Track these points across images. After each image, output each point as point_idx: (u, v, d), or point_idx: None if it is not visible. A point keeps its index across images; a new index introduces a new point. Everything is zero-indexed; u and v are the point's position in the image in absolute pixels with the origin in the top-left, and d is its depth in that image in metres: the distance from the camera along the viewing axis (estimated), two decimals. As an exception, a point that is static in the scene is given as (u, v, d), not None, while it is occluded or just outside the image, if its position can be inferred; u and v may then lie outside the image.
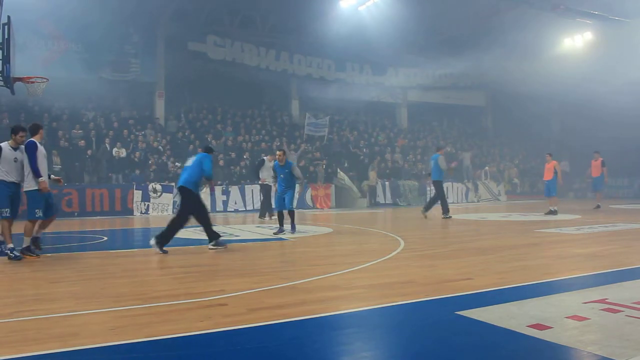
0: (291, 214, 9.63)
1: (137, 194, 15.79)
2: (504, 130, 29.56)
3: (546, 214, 13.58)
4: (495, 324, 3.41)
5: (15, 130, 6.87)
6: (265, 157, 13.14)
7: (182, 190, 7.65)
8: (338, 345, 3.18)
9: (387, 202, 20.45)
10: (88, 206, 15.05)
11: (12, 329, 3.43)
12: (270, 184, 12.69)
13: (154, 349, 3.06)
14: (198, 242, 8.67)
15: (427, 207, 13.20)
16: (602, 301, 3.96)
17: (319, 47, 24.18)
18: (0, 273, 5.72)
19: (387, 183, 20.63)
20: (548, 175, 14.24)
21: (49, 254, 7.19)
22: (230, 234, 9.81)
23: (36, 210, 6.90)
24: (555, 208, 13.76)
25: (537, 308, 3.82)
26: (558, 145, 27.11)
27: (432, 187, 14.26)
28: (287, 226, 9.66)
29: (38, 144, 6.90)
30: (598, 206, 14.97)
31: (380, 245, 8.14)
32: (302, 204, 18.42)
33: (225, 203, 17.14)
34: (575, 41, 24.83)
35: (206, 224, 7.64)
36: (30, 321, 3.62)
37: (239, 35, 22.98)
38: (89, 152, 16.79)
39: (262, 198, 13.96)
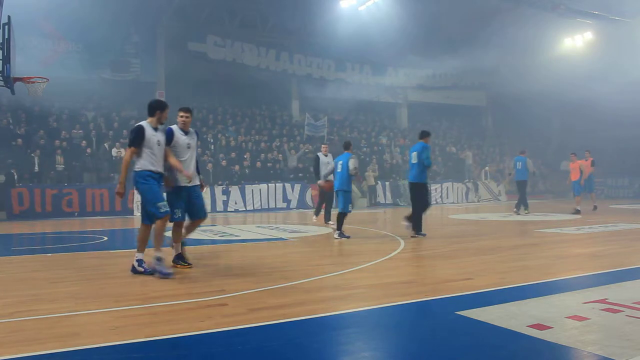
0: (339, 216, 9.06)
1: (137, 194, 15.76)
2: (504, 130, 29.56)
3: (573, 213, 13.92)
4: (495, 324, 3.41)
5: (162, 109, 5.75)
6: (319, 153, 11.41)
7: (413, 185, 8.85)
8: (338, 345, 3.18)
9: (387, 202, 20.44)
10: (88, 206, 15.05)
11: (12, 329, 3.44)
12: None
13: (154, 349, 3.06)
14: (197, 242, 8.67)
15: (519, 206, 14.21)
16: (602, 301, 3.96)
17: (319, 47, 24.19)
18: (0, 273, 5.72)
19: (387, 183, 20.63)
20: (575, 175, 14.44)
21: (49, 254, 7.18)
22: (230, 234, 9.81)
23: (175, 210, 6.02)
24: (579, 208, 14.13)
25: (537, 308, 3.81)
26: (558, 145, 27.13)
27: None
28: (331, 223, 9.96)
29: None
30: (595, 207, 14.97)
31: (380, 245, 8.13)
32: (302, 204, 18.44)
33: (225, 203, 17.15)
34: (575, 41, 24.83)
35: (419, 213, 8.71)
36: (30, 321, 3.62)
37: (239, 35, 22.99)
38: (89, 150, 16.77)
39: (324, 199, 11.67)
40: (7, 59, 9.02)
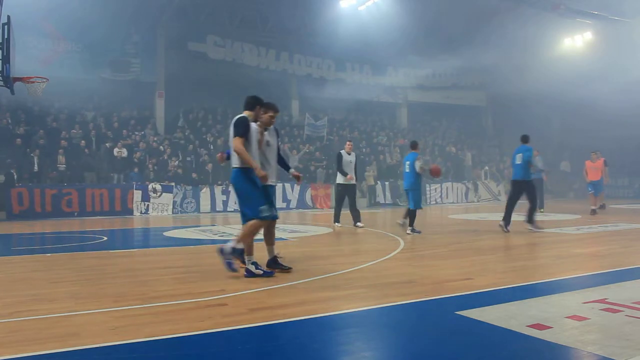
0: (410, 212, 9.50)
1: (137, 194, 15.79)
2: (504, 130, 29.55)
3: (592, 213, 13.39)
4: (495, 324, 3.41)
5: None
6: (341, 151, 10.92)
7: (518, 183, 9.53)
8: (338, 345, 3.18)
9: (387, 202, 20.44)
10: (88, 206, 15.05)
11: (11, 329, 3.43)
12: (354, 182, 10.93)
13: (154, 349, 3.06)
14: (198, 242, 8.67)
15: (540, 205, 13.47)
16: (602, 301, 3.96)
17: (319, 47, 24.19)
18: None
19: (386, 183, 20.63)
20: (596, 175, 13.83)
21: (49, 254, 7.18)
22: (230, 234, 9.81)
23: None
24: (595, 207, 13.58)
25: (536, 308, 3.82)
26: (558, 145, 27.12)
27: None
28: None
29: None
30: (602, 206, 14.94)
31: (380, 245, 8.13)
32: (302, 204, 18.44)
33: (225, 203, 17.16)
34: (575, 41, 24.83)
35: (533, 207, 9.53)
36: (30, 321, 3.62)
37: (239, 35, 22.99)
38: (86, 150, 16.78)
39: (342, 201, 11.14)
40: (6, 59, 9.02)
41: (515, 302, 4.01)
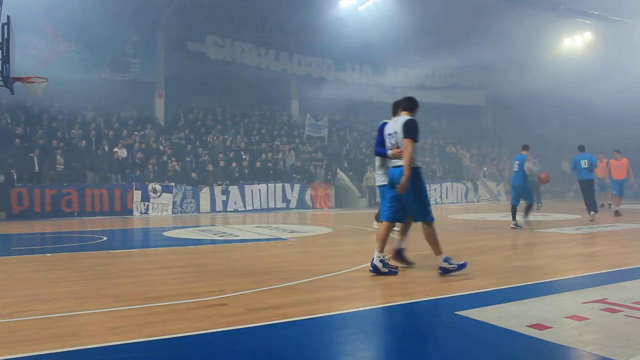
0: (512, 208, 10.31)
1: (137, 194, 15.79)
2: (504, 130, 29.56)
3: (616, 215, 12.64)
4: (495, 324, 3.41)
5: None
6: None
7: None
8: (338, 345, 3.18)
9: (387, 202, 20.42)
10: (88, 206, 15.05)
11: (11, 329, 3.43)
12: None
13: (154, 349, 3.05)
14: (197, 242, 8.67)
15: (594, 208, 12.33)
16: (602, 301, 3.96)
17: (318, 47, 24.20)
18: None
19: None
20: (621, 174, 13.35)
21: (49, 254, 7.18)
22: (230, 234, 9.81)
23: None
24: (618, 208, 13.01)
25: (536, 308, 3.81)
26: (557, 144, 27.12)
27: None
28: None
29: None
30: (609, 205, 14.94)
31: (380, 245, 8.12)
32: (302, 204, 18.44)
33: (224, 203, 17.16)
34: (575, 41, 24.83)
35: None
36: (29, 321, 3.62)
37: (239, 35, 22.99)
38: (83, 146, 16.77)
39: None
40: (6, 59, 9.02)
41: (515, 302, 4.01)
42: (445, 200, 21.63)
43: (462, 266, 5.19)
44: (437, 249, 5.19)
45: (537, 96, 24.72)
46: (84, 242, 9.09)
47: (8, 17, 9.20)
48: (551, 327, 3.30)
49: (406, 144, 5.09)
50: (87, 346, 3.05)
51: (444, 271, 5.13)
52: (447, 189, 21.91)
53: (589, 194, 11.89)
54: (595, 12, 22.22)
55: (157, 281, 5.11)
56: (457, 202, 21.75)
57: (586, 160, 11.98)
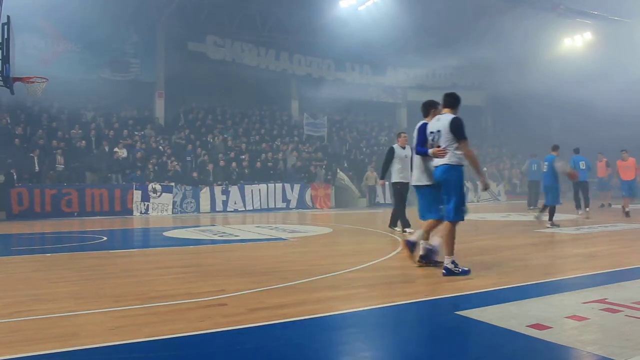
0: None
1: (137, 194, 15.79)
2: (504, 130, 29.54)
3: (626, 216, 12.48)
4: (495, 324, 3.40)
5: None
6: (394, 145, 9.62)
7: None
8: (338, 345, 3.18)
9: (387, 202, 20.42)
10: (88, 206, 15.05)
11: (11, 329, 3.43)
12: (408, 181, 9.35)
13: (154, 349, 3.05)
14: (197, 242, 8.67)
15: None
16: (602, 301, 3.96)
17: (318, 47, 24.20)
18: (-1, 273, 5.72)
19: (387, 183, 20.61)
20: (629, 174, 13.20)
21: (49, 254, 7.18)
22: (230, 234, 9.81)
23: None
24: (628, 209, 12.77)
25: (536, 308, 3.81)
26: (558, 145, 27.08)
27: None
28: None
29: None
30: (609, 204, 14.94)
31: (380, 245, 8.13)
32: (302, 204, 18.44)
33: (225, 203, 17.16)
34: (575, 41, 24.83)
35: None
36: (29, 321, 3.61)
37: (239, 35, 23.00)
38: (94, 151, 16.80)
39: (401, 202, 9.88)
40: (6, 59, 9.02)
41: (515, 302, 4.01)
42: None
43: (465, 272, 5.17)
44: (449, 250, 5.19)
45: (537, 96, 24.72)
46: (84, 242, 9.09)
47: (8, 17, 9.19)
48: (551, 327, 3.30)
49: (463, 147, 5.19)
50: (87, 346, 3.05)
51: (448, 272, 5.13)
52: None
53: (585, 193, 13.10)
54: (595, 12, 22.22)
55: (157, 281, 5.11)
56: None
57: (584, 162, 13.00)
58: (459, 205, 5.19)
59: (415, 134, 5.76)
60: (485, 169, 23.95)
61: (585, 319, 3.50)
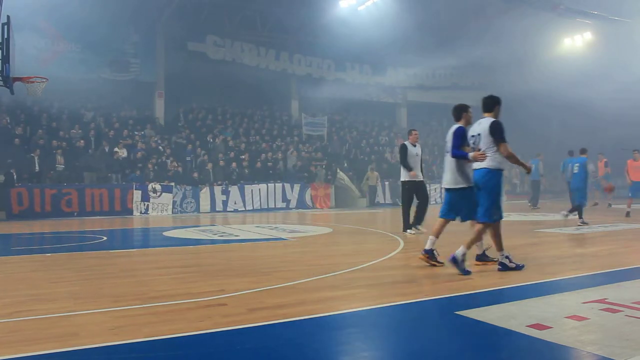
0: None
1: (137, 194, 15.79)
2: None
3: (627, 215, 12.49)
4: (495, 324, 3.40)
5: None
6: (406, 142, 9.46)
7: None
8: (338, 345, 3.18)
9: (386, 202, 20.44)
10: (88, 206, 15.05)
11: (11, 329, 3.43)
12: (421, 179, 9.57)
13: (154, 349, 3.05)
14: (197, 242, 8.67)
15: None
16: (602, 301, 3.96)
17: (318, 47, 24.20)
18: (-1, 273, 5.72)
19: (386, 183, 20.63)
20: (639, 175, 13.11)
21: (48, 254, 7.18)
22: (230, 234, 9.81)
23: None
24: (630, 210, 12.79)
25: (536, 308, 3.81)
26: (557, 144, 27.10)
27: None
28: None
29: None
30: (596, 203, 14.94)
31: (380, 245, 8.13)
32: (302, 204, 18.44)
33: (225, 203, 17.16)
34: (575, 41, 24.82)
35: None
36: (29, 321, 3.61)
37: (239, 35, 22.99)
38: (90, 151, 16.81)
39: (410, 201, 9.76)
40: (6, 59, 9.02)
41: (515, 302, 4.01)
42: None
43: (466, 272, 5.21)
44: (499, 246, 5.41)
45: (537, 96, 24.71)
46: (84, 242, 9.09)
47: (8, 17, 9.19)
48: (551, 327, 3.30)
49: (503, 149, 5.24)
50: (87, 346, 3.05)
51: (503, 267, 5.32)
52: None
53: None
54: (595, 12, 22.22)
55: (156, 281, 5.11)
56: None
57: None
58: (489, 208, 5.35)
59: (449, 137, 5.76)
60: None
61: (585, 319, 3.50)
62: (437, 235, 5.77)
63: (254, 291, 4.52)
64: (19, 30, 11.12)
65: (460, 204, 5.68)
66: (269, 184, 18.06)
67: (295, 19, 23.14)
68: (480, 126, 5.42)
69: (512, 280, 4.89)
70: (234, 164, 18.25)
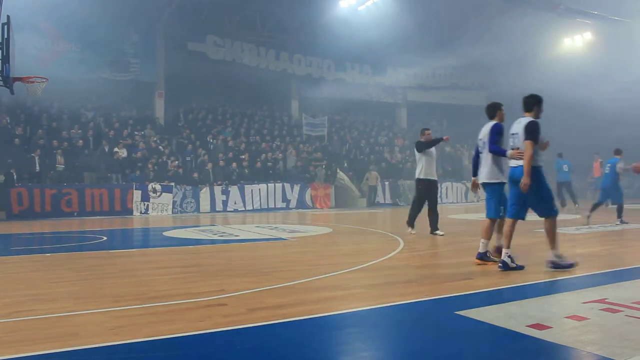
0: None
1: (137, 194, 15.79)
2: (504, 130, 29.51)
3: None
4: (494, 324, 3.40)
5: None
6: (421, 140, 9.36)
7: None
8: (338, 345, 3.18)
9: (386, 202, 20.44)
10: (88, 206, 15.04)
11: (11, 329, 3.43)
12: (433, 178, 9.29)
13: (154, 349, 3.05)
14: (197, 242, 8.67)
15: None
16: (602, 301, 3.96)
17: (318, 47, 24.20)
18: (-1, 273, 5.72)
19: (386, 183, 20.63)
20: None
21: (48, 254, 7.18)
22: (230, 234, 9.81)
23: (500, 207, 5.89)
24: None
25: (536, 308, 3.81)
26: (558, 145, 27.10)
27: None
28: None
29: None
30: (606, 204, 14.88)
31: (380, 245, 8.13)
32: (302, 204, 18.44)
33: (224, 203, 17.16)
34: (575, 41, 24.82)
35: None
36: (29, 321, 3.61)
37: (239, 35, 22.99)
38: (86, 152, 16.81)
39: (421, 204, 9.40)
40: (6, 59, 9.02)
41: (515, 302, 4.01)
42: (445, 200, 21.62)
43: (570, 266, 5.34)
44: (553, 243, 5.40)
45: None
46: (84, 242, 9.09)
47: (8, 17, 9.19)
48: (551, 327, 3.30)
49: (526, 146, 5.32)
50: (87, 346, 3.05)
51: (555, 266, 5.34)
52: (447, 189, 21.92)
53: (570, 190, 15.61)
54: (595, 12, 22.21)
55: (156, 281, 5.11)
56: (457, 202, 21.74)
57: (567, 165, 15.25)
58: (549, 201, 5.47)
59: (486, 133, 6.02)
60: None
61: (585, 319, 3.50)
62: (488, 238, 5.92)
63: (254, 291, 4.52)
64: (19, 30, 11.12)
65: (488, 200, 5.98)
66: (269, 184, 18.05)
67: (295, 19, 23.14)
68: (519, 125, 5.56)
69: (512, 280, 4.89)
70: (234, 164, 18.25)
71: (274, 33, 23.70)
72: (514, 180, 5.49)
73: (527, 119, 5.50)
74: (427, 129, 9.76)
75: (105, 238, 9.54)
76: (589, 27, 23.70)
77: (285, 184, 18.42)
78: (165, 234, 10.25)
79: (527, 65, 24.34)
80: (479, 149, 6.15)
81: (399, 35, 22.31)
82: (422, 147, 9.18)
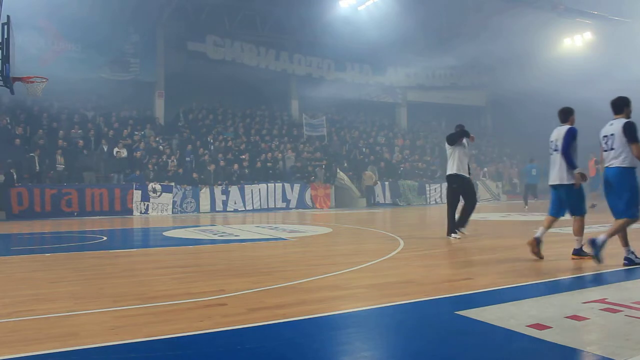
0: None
1: (137, 194, 15.79)
2: (504, 130, 29.54)
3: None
4: (494, 324, 3.40)
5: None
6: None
7: None
8: (338, 345, 3.18)
9: (386, 202, 20.44)
10: (88, 206, 15.06)
11: (11, 329, 3.43)
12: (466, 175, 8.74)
13: (154, 349, 3.05)
14: (197, 242, 8.67)
15: None
16: (602, 301, 3.96)
17: (318, 47, 24.21)
18: (-1, 273, 5.72)
19: (386, 183, 20.63)
20: None
21: (48, 254, 7.18)
22: (230, 234, 9.81)
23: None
24: None
25: (536, 308, 3.81)
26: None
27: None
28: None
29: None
30: (593, 205, 14.93)
31: (379, 245, 8.13)
32: (302, 204, 18.44)
33: (224, 203, 17.17)
34: (575, 41, 24.83)
35: None
36: (29, 321, 3.61)
37: (239, 35, 23.00)
38: (85, 151, 16.81)
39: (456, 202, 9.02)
40: (6, 59, 9.03)
41: (515, 302, 4.01)
42: (445, 200, 21.59)
43: (597, 256, 5.51)
44: (624, 241, 5.65)
45: (537, 96, 24.70)
46: (84, 242, 9.09)
47: (8, 17, 9.20)
48: (551, 327, 3.29)
49: (635, 149, 5.41)
50: (87, 346, 3.05)
51: (629, 262, 5.55)
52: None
53: (534, 193, 16.96)
54: (595, 12, 22.23)
55: (156, 281, 5.11)
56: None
57: (535, 169, 16.73)
58: (631, 204, 5.49)
59: (559, 136, 6.30)
60: (486, 169, 23.95)
61: (585, 319, 3.50)
62: (581, 235, 6.10)
63: (254, 291, 4.52)
64: (19, 30, 11.12)
65: (566, 200, 6.08)
66: (268, 184, 18.06)
67: (295, 19, 23.15)
68: (613, 127, 5.63)
69: (512, 280, 4.89)
70: (235, 166, 18.25)
71: (273, 33, 23.71)
72: (609, 182, 5.64)
73: (620, 120, 5.59)
74: (461, 125, 9.00)
75: (105, 238, 9.53)
76: (589, 27, 23.72)
77: (285, 184, 18.42)
78: (165, 234, 10.25)
79: (527, 65, 24.36)
80: (549, 150, 6.33)
81: (399, 35, 22.33)
82: (452, 138, 8.49)
